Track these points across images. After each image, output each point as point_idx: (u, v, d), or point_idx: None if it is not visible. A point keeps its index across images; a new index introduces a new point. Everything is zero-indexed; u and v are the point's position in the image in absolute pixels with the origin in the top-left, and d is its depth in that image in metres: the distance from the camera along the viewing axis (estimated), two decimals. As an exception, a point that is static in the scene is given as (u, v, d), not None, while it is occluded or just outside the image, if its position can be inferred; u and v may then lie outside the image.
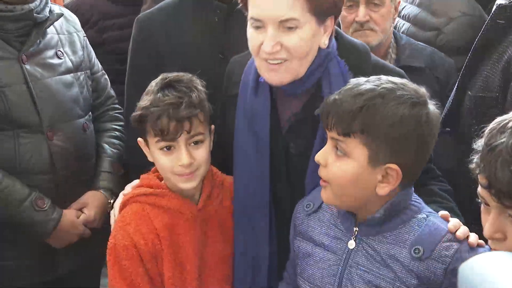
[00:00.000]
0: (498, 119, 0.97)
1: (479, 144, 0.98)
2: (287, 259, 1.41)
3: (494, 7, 1.44)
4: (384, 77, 1.19)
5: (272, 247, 1.43)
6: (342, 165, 1.18)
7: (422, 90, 1.16)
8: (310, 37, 1.25)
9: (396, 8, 1.83)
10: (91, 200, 1.68)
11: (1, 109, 1.52)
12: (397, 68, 1.51)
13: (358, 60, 1.39)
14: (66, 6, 2.44)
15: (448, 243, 1.14)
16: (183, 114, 1.32)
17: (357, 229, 1.22)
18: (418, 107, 1.14)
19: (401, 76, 1.36)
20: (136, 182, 1.48)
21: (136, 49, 1.68)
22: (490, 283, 0.68)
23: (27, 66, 1.55)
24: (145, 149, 1.45)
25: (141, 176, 1.46)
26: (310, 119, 1.35)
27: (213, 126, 1.40)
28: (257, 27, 1.26)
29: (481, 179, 0.96)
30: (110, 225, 1.49)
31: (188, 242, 1.42)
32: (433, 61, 1.80)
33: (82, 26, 1.87)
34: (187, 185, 1.39)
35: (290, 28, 1.24)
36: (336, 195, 1.21)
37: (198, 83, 1.39)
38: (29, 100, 1.56)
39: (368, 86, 1.14)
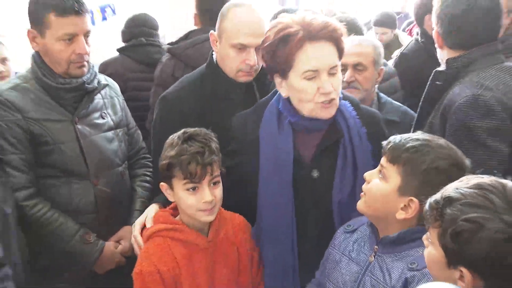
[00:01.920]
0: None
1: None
2: (309, 270, 1.60)
3: (433, 72, 1.79)
4: (436, 137, 1.40)
5: (295, 260, 1.61)
6: (379, 185, 1.40)
7: (464, 157, 1.33)
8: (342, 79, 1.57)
9: (379, 73, 2.13)
10: (127, 234, 1.88)
11: (58, 161, 1.77)
12: (377, 111, 1.84)
13: (354, 105, 1.67)
14: (104, 62, 2.83)
15: None
16: (207, 160, 1.51)
17: (377, 247, 1.44)
18: (454, 167, 1.30)
19: (378, 116, 1.76)
20: (149, 215, 1.66)
21: (165, 121, 1.85)
22: None
23: (79, 126, 1.81)
24: (166, 192, 1.61)
25: (158, 214, 1.64)
26: (330, 149, 1.60)
27: (224, 169, 1.57)
28: (311, 78, 1.52)
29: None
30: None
31: (202, 268, 1.60)
32: (406, 116, 2.10)
33: (113, 77, 2.15)
34: (208, 218, 1.57)
35: (333, 74, 1.53)
36: (367, 204, 1.43)
37: (212, 135, 1.58)
38: (79, 153, 1.81)
39: (426, 137, 1.37)
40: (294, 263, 1.62)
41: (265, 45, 1.59)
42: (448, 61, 1.73)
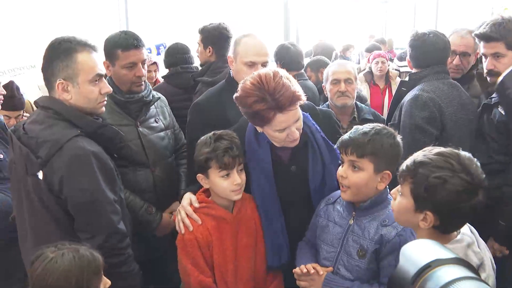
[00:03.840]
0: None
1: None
2: (297, 243, 1.84)
3: (400, 82, 2.47)
4: (371, 124, 1.64)
5: (285, 237, 1.86)
6: (360, 176, 1.59)
7: (392, 129, 1.62)
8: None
9: (356, 87, 2.76)
10: (177, 207, 2.17)
11: (127, 154, 2.16)
12: (330, 110, 2.20)
13: (311, 110, 1.94)
14: (154, 88, 3.25)
15: None
16: (236, 153, 1.75)
17: (355, 213, 1.67)
18: (395, 138, 1.61)
19: (331, 113, 2.07)
20: (187, 198, 1.85)
21: (195, 121, 2.17)
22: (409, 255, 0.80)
23: (140, 129, 2.22)
24: (202, 181, 1.82)
25: (196, 195, 1.86)
26: (301, 149, 1.83)
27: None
28: (282, 130, 1.69)
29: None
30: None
31: (228, 237, 1.81)
32: (375, 116, 2.74)
33: None
34: (238, 197, 1.80)
35: (298, 120, 1.70)
36: (354, 194, 1.62)
37: (234, 135, 1.82)
38: (141, 149, 2.20)
39: (366, 129, 1.60)
40: (284, 240, 1.87)
41: (242, 108, 1.70)
42: (410, 75, 2.41)
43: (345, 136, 1.63)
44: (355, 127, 1.66)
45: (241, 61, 2.18)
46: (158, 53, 5.93)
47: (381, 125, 1.66)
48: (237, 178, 1.78)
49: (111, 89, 1.88)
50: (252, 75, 1.70)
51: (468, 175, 1.27)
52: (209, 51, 3.09)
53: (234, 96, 1.74)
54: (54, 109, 1.73)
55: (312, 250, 1.81)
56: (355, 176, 1.60)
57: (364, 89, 4.63)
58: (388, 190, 1.67)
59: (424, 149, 1.36)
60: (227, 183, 1.77)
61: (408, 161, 1.35)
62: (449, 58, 2.48)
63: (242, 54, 2.18)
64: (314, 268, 1.69)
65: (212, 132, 1.81)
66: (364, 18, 10.42)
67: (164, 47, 6.01)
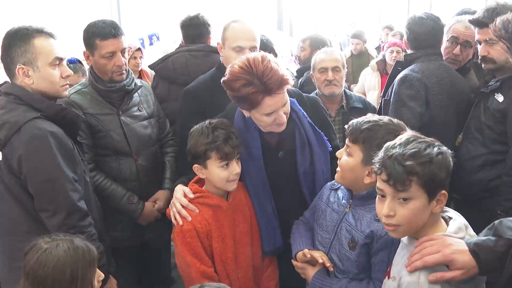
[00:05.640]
0: (389, 143, 1.32)
1: (379, 155, 1.31)
2: (289, 227, 1.85)
3: (395, 62, 2.54)
4: (386, 117, 1.58)
5: (276, 221, 1.89)
6: (347, 160, 1.59)
7: (403, 127, 1.54)
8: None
9: (345, 74, 2.75)
10: (160, 196, 2.31)
11: (109, 143, 2.18)
12: (315, 96, 2.23)
13: (298, 96, 1.95)
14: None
15: None
16: (236, 143, 1.75)
17: (351, 201, 1.66)
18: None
19: (317, 100, 2.08)
20: (185, 189, 1.83)
21: (187, 109, 2.21)
22: None
23: (122, 118, 2.22)
24: (199, 172, 1.80)
25: (189, 187, 1.84)
26: (288, 134, 1.85)
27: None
28: (270, 114, 1.69)
29: (382, 176, 1.27)
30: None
31: (226, 224, 1.82)
32: (365, 104, 2.75)
33: (163, 97, 2.68)
34: (234, 186, 1.80)
35: (285, 104, 1.71)
36: (341, 176, 1.63)
37: (229, 123, 1.82)
38: (123, 137, 2.21)
39: (375, 118, 1.56)
40: (276, 224, 1.91)
41: (230, 92, 1.70)
42: (404, 56, 2.50)
43: (353, 122, 1.62)
44: (369, 114, 1.64)
45: (229, 47, 2.18)
46: (151, 43, 5.90)
47: (394, 120, 1.60)
48: (236, 168, 1.78)
49: (72, 72, 1.92)
50: (240, 59, 1.70)
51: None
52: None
53: (222, 80, 1.74)
54: (15, 95, 1.78)
55: (309, 232, 1.82)
56: (344, 159, 1.62)
57: (375, 79, 4.55)
58: None
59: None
60: (226, 173, 1.77)
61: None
62: (449, 47, 2.52)
63: (230, 40, 2.18)
64: (321, 258, 1.68)
65: (208, 121, 1.80)
66: (359, 4, 10.38)
67: (157, 37, 5.97)
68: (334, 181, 1.77)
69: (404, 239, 1.39)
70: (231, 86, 1.69)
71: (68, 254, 1.41)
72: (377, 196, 1.33)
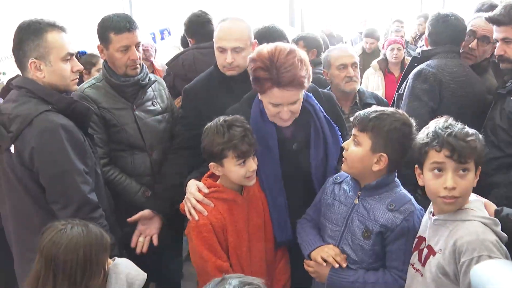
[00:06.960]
0: (436, 124, 1.48)
1: (429, 136, 1.45)
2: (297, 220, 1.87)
3: (412, 57, 2.52)
4: (391, 108, 1.66)
5: (287, 214, 1.91)
6: (355, 150, 1.62)
7: (405, 114, 1.63)
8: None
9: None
10: None
11: (124, 138, 2.17)
12: (330, 92, 2.25)
13: (314, 91, 1.97)
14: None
15: (409, 205, 1.62)
16: (253, 140, 1.76)
17: (360, 192, 1.70)
18: (405, 126, 1.59)
19: (332, 95, 2.11)
20: (194, 185, 1.85)
21: (186, 108, 2.25)
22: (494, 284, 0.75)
23: (136, 112, 2.21)
24: (215, 169, 1.82)
25: (202, 181, 1.86)
26: (303, 126, 1.87)
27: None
28: (275, 105, 1.74)
29: (445, 152, 1.41)
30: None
31: (240, 218, 1.84)
32: (378, 99, 2.71)
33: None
34: (252, 182, 1.82)
35: (294, 103, 1.74)
36: (349, 166, 1.67)
37: (244, 119, 1.81)
38: (138, 132, 2.20)
39: (380, 108, 1.64)
40: (286, 216, 1.92)
41: (248, 69, 1.78)
42: (422, 52, 2.46)
43: (360, 112, 1.66)
44: (375, 106, 1.69)
45: (215, 47, 2.18)
46: (162, 38, 5.88)
47: (399, 111, 1.66)
48: (253, 165, 1.79)
49: (82, 67, 1.95)
50: (271, 45, 1.75)
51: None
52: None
53: (249, 56, 1.81)
54: (26, 88, 1.80)
55: (315, 229, 1.83)
56: (352, 149, 1.64)
57: (378, 78, 4.49)
58: (395, 173, 1.70)
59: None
60: (244, 171, 1.78)
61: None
62: (466, 40, 2.48)
63: (216, 39, 2.18)
64: (336, 260, 1.70)
65: (223, 119, 1.80)
66: (371, 1, 10.29)
67: (168, 32, 5.95)
68: (336, 175, 1.82)
69: (441, 216, 1.51)
70: (251, 65, 1.76)
71: (81, 236, 1.46)
72: (432, 172, 1.46)
